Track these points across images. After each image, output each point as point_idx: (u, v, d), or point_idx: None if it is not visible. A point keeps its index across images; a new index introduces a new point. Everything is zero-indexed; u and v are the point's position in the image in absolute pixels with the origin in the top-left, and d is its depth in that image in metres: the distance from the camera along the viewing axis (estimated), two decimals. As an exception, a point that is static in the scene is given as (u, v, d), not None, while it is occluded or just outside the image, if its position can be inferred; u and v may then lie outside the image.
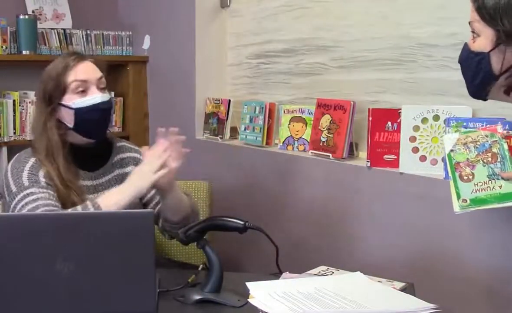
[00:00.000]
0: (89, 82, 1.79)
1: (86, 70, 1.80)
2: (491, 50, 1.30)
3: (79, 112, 1.77)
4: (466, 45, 1.37)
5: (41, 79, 1.83)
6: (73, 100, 1.77)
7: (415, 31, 2.30)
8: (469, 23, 1.34)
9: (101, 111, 1.80)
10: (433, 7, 2.24)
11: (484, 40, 1.31)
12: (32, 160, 1.78)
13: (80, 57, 1.83)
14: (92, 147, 1.84)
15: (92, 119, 1.79)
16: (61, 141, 1.78)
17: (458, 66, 2.14)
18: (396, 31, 2.37)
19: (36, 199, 1.68)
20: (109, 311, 1.29)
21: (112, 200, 1.70)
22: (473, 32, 1.34)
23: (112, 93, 3.26)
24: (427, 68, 2.28)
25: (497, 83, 1.32)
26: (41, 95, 1.82)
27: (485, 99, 1.39)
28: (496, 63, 1.31)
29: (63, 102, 1.78)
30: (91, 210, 1.65)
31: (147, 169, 1.73)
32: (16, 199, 1.71)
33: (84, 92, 1.78)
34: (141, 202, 1.94)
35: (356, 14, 2.51)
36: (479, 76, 1.33)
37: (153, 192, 1.91)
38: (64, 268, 1.25)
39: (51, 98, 1.79)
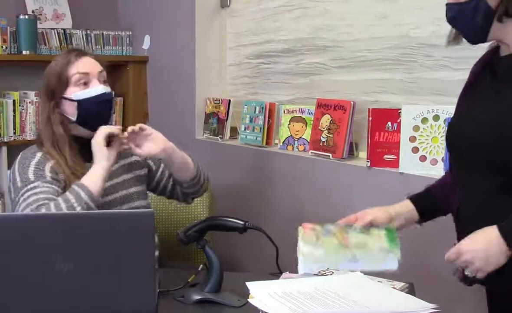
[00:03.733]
0: (91, 75, 1.83)
1: (87, 64, 1.84)
2: None
3: (82, 104, 1.81)
4: (450, 3, 1.40)
5: (44, 76, 1.87)
6: (75, 93, 1.81)
7: (415, 31, 2.30)
8: None
9: (104, 103, 1.84)
10: (433, 7, 2.24)
11: None
12: (39, 154, 1.81)
13: (81, 53, 1.87)
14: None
15: (95, 111, 1.82)
16: (65, 134, 1.82)
17: (458, 66, 2.17)
18: (396, 31, 2.37)
19: (38, 192, 1.71)
20: (109, 311, 1.29)
21: (94, 178, 1.72)
22: None
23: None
24: (427, 68, 2.28)
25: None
26: (45, 91, 1.86)
27: (485, 41, 1.40)
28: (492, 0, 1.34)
29: (65, 96, 1.82)
30: (80, 192, 1.67)
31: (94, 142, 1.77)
32: (20, 193, 1.73)
33: (86, 84, 1.82)
34: (153, 182, 2.03)
35: (356, 14, 2.51)
36: (478, 19, 1.34)
37: (161, 169, 2.02)
38: (64, 268, 1.25)
39: (54, 93, 1.83)
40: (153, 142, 1.82)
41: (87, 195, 1.67)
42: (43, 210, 1.64)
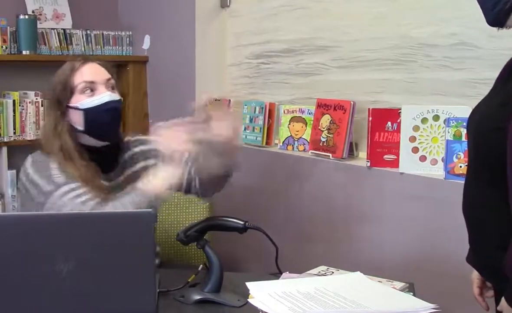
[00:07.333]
0: (96, 83, 1.76)
1: (93, 71, 1.78)
2: None
3: (88, 113, 1.74)
4: None
5: (50, 85, 1.81)
6: (81, 101, 1.75)
7: (415, 31, 2.30)
8: None
9: (111, 111, 1.76)
10: (433, 7, 2.24)
11: None
12: (54, 159, 1.73)
13: (85, 59, 1.81)
14: (103, 149, 1.81)
15: (102, 119, 1.75)
16: (74, 144, 1.75)
17: (458, 66, 2.17)
18: (396, 31, 2.37)
19: (81, 193, 1.65)
20: (109, 311, 1.29)
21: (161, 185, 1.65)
22: None
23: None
24: (427, 68, 2.28)
25: None
26: (51, 100, 1.79)
27: (502, 27, 1.37)
28: None
29: (71, 104, 1.75)
30: (137, 197, 1.61)
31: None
32: (57, 193, 1.65)
33: (92, 92, 1.76)
34: None
35: (356, 14, 2.51)
36: (501, 2, 1.32)
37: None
38: (64, 268, 1.25)
39: (60, 102, 1.76)
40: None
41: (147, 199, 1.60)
42: (101, 207, 1.60)
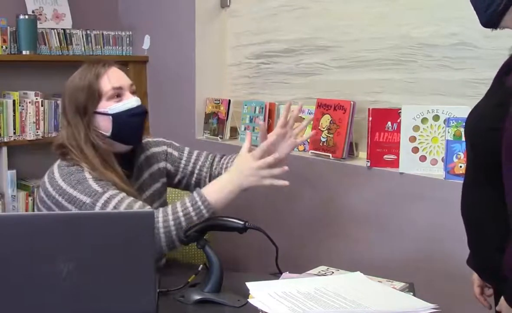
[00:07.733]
0: (123, 88, 1.77)
1: (119, 77, 1.78)
2: None
3: (117, 118, 1.73)
4: None
5: (68, 94, 1.76)
6: (109, 106, 1.74)
7: (415, 31, 2.30)
8: None
9: (139, 115, 1.78)
10: (433, 7, 2.24)
11: None
12: (85, 167, 1.70)
13: (108, 63, 1.79)
14: (126, 153, 1.81)
15: (130, 124, 1.76)
16: (106, 149, 1.74)
17: (458, 66, 2.17)
18: (396, 31, 2.37)
19: (126, 196, 1.65)
20: (109, 311, 1.29)
21: (222, 193, 1.72)
22: None
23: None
24: (427, 68, 2.28)
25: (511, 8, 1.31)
26: (74, 109, 1.74)
27: (496, 27, 1.37)
28: None
29: (98, 110, 1.74)
30: (199, 203, 1.66)
31: (262, 173, 1.78)
32: (99, 204, 1.64)
33: (119, 98, 1.75)
34: (174, 181, 1.99)
35: (356, 14, 2.51)
36: (494, 4, 1.31)
37: (180, 169, 1.98)
38: (64, 268, 1.25)
39: (86, 108, 1.73)
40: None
41: (205, 206, 1.66)
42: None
